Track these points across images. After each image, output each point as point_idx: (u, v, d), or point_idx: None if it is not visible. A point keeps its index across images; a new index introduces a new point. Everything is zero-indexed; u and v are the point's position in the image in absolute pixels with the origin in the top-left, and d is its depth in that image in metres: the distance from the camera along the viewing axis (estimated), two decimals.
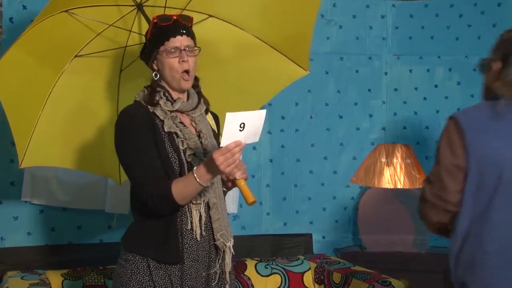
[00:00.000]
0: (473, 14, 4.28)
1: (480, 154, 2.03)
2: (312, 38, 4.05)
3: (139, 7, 2.52)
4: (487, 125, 2.07)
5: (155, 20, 2.27)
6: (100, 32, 2.56)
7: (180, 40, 2.24)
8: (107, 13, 2.53)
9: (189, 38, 2.27)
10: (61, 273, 3.27)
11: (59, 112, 2.61)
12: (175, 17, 2.28)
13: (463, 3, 4.28)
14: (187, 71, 2.25)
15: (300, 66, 2.99)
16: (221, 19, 2.73)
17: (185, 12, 2.56)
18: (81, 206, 3.51)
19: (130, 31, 2.61)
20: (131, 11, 2.57)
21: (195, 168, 2.11)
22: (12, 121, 2.44)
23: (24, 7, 3.35)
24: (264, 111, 2.07)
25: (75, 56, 2.57)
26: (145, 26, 2.53)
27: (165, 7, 2.56)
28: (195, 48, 2.28)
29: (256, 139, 2.11)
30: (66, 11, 2.41)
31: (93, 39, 2.57)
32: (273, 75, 3.02)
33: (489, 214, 2.03)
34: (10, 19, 3.34)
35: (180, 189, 2.12)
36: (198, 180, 2.09)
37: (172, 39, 2.23)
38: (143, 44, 2.45)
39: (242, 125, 2.02)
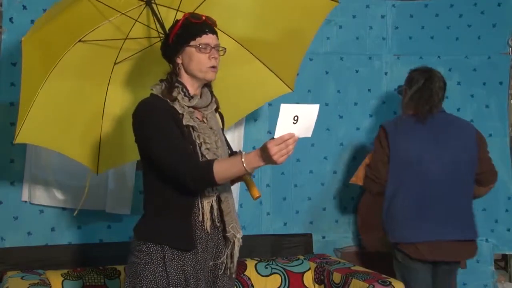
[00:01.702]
0: (473, 14, 4.27)
1: (397, 150, 3.30)
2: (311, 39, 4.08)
3: (148, 3, 2.64)
4: (404, 131, 3.34)
5: (186, 16, 2.37)
6: (111, 20, 2.63)
7: (211, 38, 2.37)
8: (120, 3, 2.61)
9: (217, 38, 2.40)
10: (61, 273, 3.27)
11: (53, 95, 2.64)
12: (204, 17, 2.39)
13: (463, 3, 4.28)
14: (214, 67, 2.37)
15: (285, 84, 3.02)
16: (218, 29, 2.76)
17: None
18: (81, 206, 3.50)
19: (136, 20, 2.69)
20: (139, 5, 2.66)
21: (244, 153, 2.16)
22: (22, 98, 2.50)
23: (24, 7, 3.34)
24: (317, 106, 2.13)
25: (79, 41, 2.62)
26: (152, 21, 2.64)
27: (177, 10, 2.67)
28: (221, 48, 2.40)
29: (309, 134, 2.14)
30: None
31: (101, 25, 2.63)
32: (258, 89, 3.05)
33: (401, 187, 3.29)
34: (10, 19, 3.33)
35: (223, 169, 2.17)
36: (244, 165, 2.13)
37: (204, 36, 2.35)
38: (149, 38, 2.64)
39: (295, 118, 2.05)
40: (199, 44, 2.33)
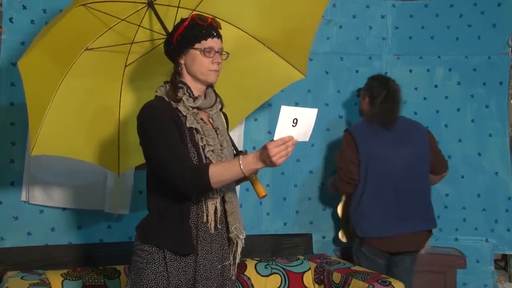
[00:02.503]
0: (473, 14, 4.26)
1: (365, 152, 3.57)
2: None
3: (150, 5, 2.64)
4: (369, 135, 3.61)
5: (193, 17, 2.35)
6: (112, 26, 2.63)
7: (216, 42, 2.36)
8: (120, 9, 2.61)
9: (221, 42, 2.39)
10: (61, 273, 3.27)
11: (66, 104, 2.65)
12: (210, 19, 2.38)
13: (463, 3, 4.27)
14: (215, 70, 2.37)
15: (298, 70, 3.01)
16: (224, 20, 2.76)
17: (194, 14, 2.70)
18: (81, 206, 3.50)
19: (139, 25, 2.69)
20: (141, 8, 2.66)
21: (241, 156, 2.17)
22: (30, 112, 2.48)
23: (24, 7, 3.34)
24: (315, 110, 2.14)
25: (86, 49, 2.63)
26: (156, 23, 2.64)
27: (178, 6, 2.67)
28: (224, 53, 2.40)
29: (306, 139, 2.15)
30: (84, 5, 2.49)
31: (104, 32, 2.63)
32: (271, 76, 3.05)
33: (368, 186, 3.57)
34: (10, 19, 3.33)
35: (219, 171, 2.16)
36: (242, 167, 2.13)
37: (209, 40, 2.34)
38: (151, 40, 2.63)
39: (295, 121, 2.07)
40: (204, 48, 2.33)
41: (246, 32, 2.90)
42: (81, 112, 2.76)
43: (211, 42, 2.34)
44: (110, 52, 2.70)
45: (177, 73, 2.38)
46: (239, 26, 2.88)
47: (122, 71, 2.81)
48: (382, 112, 3.61)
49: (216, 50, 2.35)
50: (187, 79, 2.38)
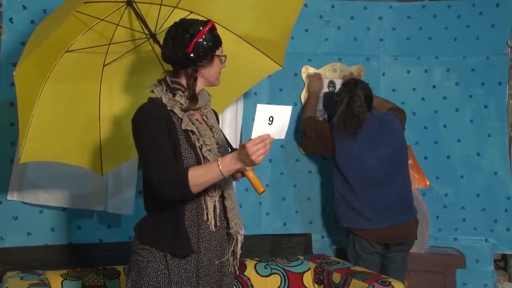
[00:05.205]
0: (471, 14, 4.27)
1: (342, 150, 3.69)
2: (311, 39, 4.10)
3: (128, 3, 2.64)
4: (344, 137, 3.68)
5: (212, 25, 2.37)
6: (91, 27, 2.64)
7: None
8: (101, 9, 2.62)
9: None
10: (61, 273, 3.26)
11: (48, 108, 2.64)
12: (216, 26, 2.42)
13: (461, 4, 4.28)
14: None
15: (275, 61, 3.04)
16: (199, 15, 2.78)
17: (176, 11, 2.76)
18: (81, 206, 3.50)
19: (118, 24, 2.69)
20: (118, 8, 2.66)
21: (219, 158, 2.20)
22: (20, 121, 2.49)
23: (24, 7, 3.34)
24: (289, 107, 2.16)
25: (66, 51, 2.62)
26: (134, 21, 2.66)
27: (161, 4, 2.67)
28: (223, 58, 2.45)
29: (282, 136, 2.19)
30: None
31: (84, 33, 2.63)
32: (248, 69, 3.08)
33: (349, 183, 3.68)
34: (10, 19, 3.33)
35: (198, 174, 2.18)
36: (221, 168, 2.16)
37: (221, 47, 2.39)
38: (134, 39, 2.65)
39: (271, 119, 2.11)
40: (220, 54, 2.38)
41: (222, 26, 2.89)
42: (63, 115, 2.75)
43: (222, 49, 2.40)
44: (89, 53, 2.69)
45: (193, 78, 2.35)
46: (215, 20, 2.89)
47: (101, 71, 2.80)
48: (342, 123, 3.67)
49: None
50: (200, 82, 2.38)
